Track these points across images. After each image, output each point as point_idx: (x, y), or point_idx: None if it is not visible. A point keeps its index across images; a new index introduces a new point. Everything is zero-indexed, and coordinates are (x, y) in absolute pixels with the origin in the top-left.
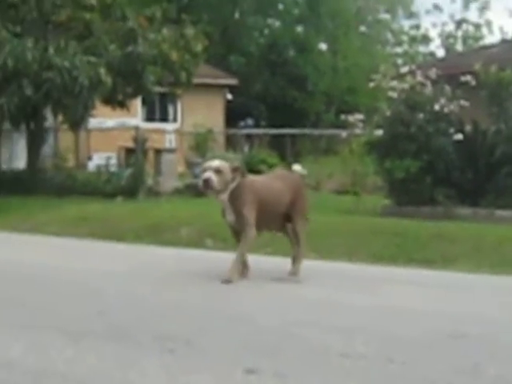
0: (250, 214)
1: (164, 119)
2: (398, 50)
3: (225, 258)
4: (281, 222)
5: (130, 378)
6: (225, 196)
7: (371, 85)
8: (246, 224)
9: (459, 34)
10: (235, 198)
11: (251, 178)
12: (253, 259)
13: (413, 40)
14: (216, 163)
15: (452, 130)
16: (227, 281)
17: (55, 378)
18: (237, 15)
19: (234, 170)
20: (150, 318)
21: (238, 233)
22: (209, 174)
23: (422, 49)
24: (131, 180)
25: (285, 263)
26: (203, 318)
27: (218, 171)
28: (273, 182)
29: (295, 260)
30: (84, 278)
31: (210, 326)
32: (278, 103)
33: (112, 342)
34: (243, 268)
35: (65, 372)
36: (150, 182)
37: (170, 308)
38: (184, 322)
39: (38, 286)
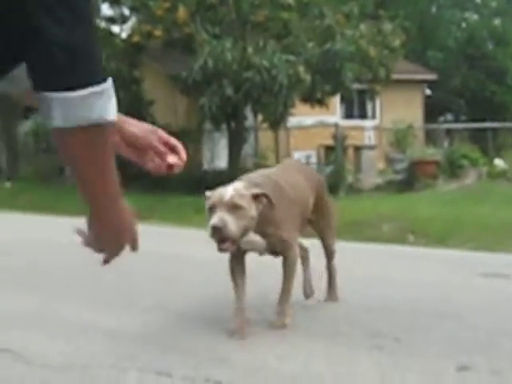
0: (291, 231)
1: (363, 116)
2: None
3: (427, 254)
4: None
5: (340, 375)
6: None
7: None
8: (287, 248)
9: None
10: (262, 221)
11: (266, 173)
12: (458, 255)
13: None
14: (230, 193)
15: None
16: (283, 326)
17: (266, 373)
18: (433, 9)
19: (256, 197)
20: (359, 316)
21: (242, 257)
22: (220, 218)
23: None
24: (331, 177)
25: (490, 258)
26: (410, 316)
27: (234, 207)
28: (293, 175)
29: (329, 282)
30: None
31: (418, 323)
32: (477, 97)
33: (321, 338)
34: (309, 289)
35: (276, 368)
36: (350, 179)
37: (377, 306)
38: (392, 319)
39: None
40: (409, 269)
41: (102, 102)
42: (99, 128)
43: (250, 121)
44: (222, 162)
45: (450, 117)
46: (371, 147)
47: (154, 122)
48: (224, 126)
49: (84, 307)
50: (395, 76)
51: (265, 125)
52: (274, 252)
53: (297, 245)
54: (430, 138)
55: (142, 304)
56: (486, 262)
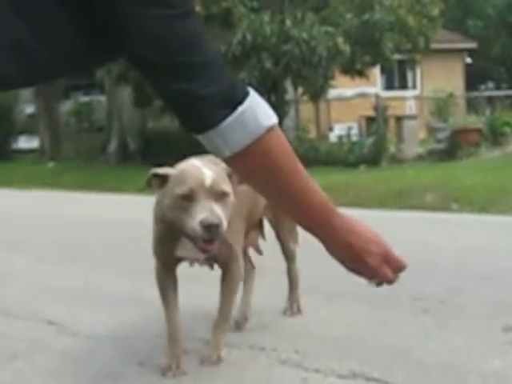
0: (237, 235)
1: (403, 86)
2: None
3: (471, 220)
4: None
5: (385, 338)
6: None
7: None
8: (231, 256)
9: None
10: None
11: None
12: (501, 220)
13: None
14: (210, 176)
15: None
16: (218, 360)
17: (310, 339)
18: None
19: (230, 176)
20: (403, 279)
21: (174, 267)
22: (212, 211)
23: None
24: (373, 148)
25: None
26: (455, 278)
27: (220, 195)
28: None
29: (290, 289)
30: None
31: (463, 285)
32: None
33: (366, 302)
34: (243, 320)
35: (320, 333)
36: (392, 149)
37: (421, 269)
38: (436, 282)
39: None
40: (453, 234)
41: (251, 116)
42: (262, 138)
43: (290, 94)
44: None
45: (491, 85)
46: (412, 117)
47: None
48: (264, 100)
49: (127, 279)
50: (435, 45)
51: (305, 97)
52: (211, 261)
53: (242, 261)
54: (472, 106)
55: (185, 274)
56: None
